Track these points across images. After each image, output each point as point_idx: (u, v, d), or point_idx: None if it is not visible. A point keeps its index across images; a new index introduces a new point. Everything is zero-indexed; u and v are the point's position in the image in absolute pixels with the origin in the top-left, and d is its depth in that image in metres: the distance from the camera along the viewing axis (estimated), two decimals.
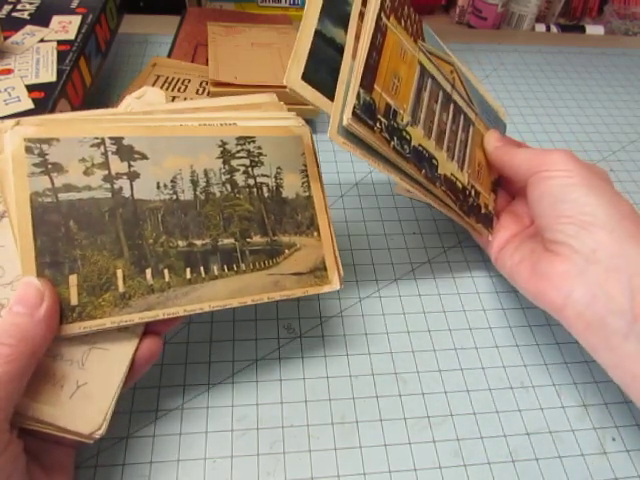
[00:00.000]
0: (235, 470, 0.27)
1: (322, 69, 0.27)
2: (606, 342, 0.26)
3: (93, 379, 0.23)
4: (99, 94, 0.47)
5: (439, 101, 0.33)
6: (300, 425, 0.28)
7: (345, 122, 0.26)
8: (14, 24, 0.41)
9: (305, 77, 0.26)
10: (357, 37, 0.28)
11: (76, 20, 0.42)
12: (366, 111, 0.27)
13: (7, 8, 0.43)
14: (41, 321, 0.21)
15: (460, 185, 0.33)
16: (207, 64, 0.46)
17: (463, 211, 0.33)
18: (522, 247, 0.32)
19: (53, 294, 0.22)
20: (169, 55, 0.51)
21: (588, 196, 0.28)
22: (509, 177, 0.35)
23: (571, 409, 0.30)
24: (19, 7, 0.43)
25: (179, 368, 0.30)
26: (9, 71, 0.37)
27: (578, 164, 0.29)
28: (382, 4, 0.30)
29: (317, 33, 0.27)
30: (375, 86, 0.28)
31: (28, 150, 0.23)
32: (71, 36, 0.41)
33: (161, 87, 0.45)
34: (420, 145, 0.30)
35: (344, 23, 0.28)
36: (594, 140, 0.50)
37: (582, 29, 0.68)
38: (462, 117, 0.35)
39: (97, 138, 0.24)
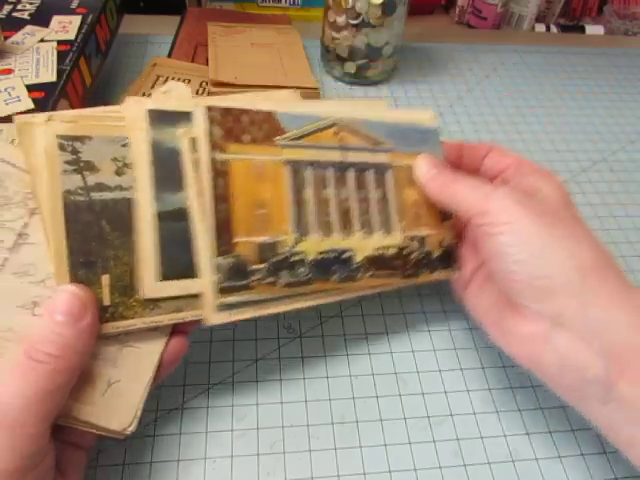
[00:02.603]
0: (235, 470, 0.27)
1: (179, 252, 0.24)
2: (587, 406, 0.24)
3: (124, 377, 0.23)
4: (99, 94, 0.47)
5: (331, 182, 0.28)
6: (300, 425, 0.28)
7: (211, 318, 0.24)
8: (14, 24, 0.41)
9: (165, 275, 0.24)
10: (201, 193, 0.25)
11: (76, 20, 0.42)
12: (234, 276, 0.24)
13: (7, 8, 0.43)
14: (85, 331, 0.21)
15: (393, 251, 0.29)
16: (207, 64, 0.46)
17: (407, 276, 0.29)
18: (486, 289, 0.28)
19: (95, 302, 0.22)
20: (169, 55, 0.51)
21: (541, 254, 0.24)
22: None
23: (571, 409, 0.30)
24: (19, 7, 0.43)
25: (179, 368, 0.30)
26: (9, 71, 0.37)
27: (524, 210, 0.24)
28: (212, 141, 0.25)
29: (158, 216, 0.24)
30: (235, 239, 0.25)
31: (61, 147, 0.23)
32: (71, 36, 0.41)
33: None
34: (321, 252, 0.27)
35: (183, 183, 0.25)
36: (594, 140, 0.50)
37: (582, 29, 0.68)
38: (370, 172, 0.30)
39: (129, 138, 0.24)
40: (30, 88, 0.35)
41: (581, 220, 0.27)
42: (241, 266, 0.25)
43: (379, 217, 0.29)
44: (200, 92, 0.46)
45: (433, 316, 0.34)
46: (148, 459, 0.27)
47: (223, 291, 0.24)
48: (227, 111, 0.26)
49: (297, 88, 0.43)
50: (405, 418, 0.29)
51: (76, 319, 0.21)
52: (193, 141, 0.25)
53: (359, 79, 0.52)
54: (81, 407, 0.22)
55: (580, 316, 0.23)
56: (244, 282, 0.25)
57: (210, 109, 0.26)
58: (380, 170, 0.30)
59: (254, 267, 0.25)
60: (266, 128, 0.27)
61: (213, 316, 0.24)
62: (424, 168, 0.30)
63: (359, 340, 0.32)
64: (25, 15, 0.43)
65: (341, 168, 0.29)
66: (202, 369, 0.30)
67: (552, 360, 0.24)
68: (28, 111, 0.33)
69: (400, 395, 0.30)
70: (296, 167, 0.27)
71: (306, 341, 0.32)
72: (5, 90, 0.35)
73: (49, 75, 0.36)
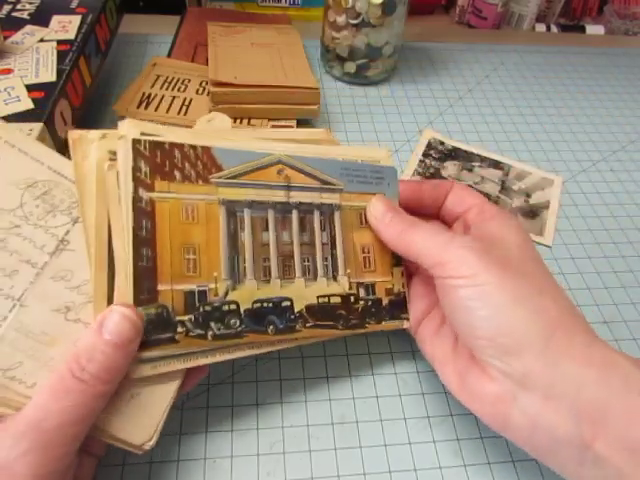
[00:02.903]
0: (235, 470, 0.27)
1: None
2: (561, 468, 0.22)
3: (146, 390, 0.23)
4: (99, 94, 0.47)
5: (272, 224, 0.26)
6: (300, 425, 0.28)
7: (133, 372, 0.22)
8: (14, 24, 0.41)
9: None
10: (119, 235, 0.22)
11: (76, 20, 0.42)
12: (157, 328, 0.22)
13: (7, 8, 0.43)
14: (130, 356, 0.21)
15: (337, 299, 0.27)
16: (207, 64, 0.46)
17: (353, 326, 0.27)
18: (443, 335, 0.27)
19: (141, 326, 0.22)
20: (169, 55, 0.51)
21: (505, 310, 0.22)
22: None
23: None
24: (19, 7, 0.43)
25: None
26: (9, 71, 0.37)
27: (486, 262, 0.23)
28: (136, 177, 0.23)
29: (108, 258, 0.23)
30: (159, 287, 0.22)
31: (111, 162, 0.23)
32: (71, 36, 0.41)
33: (161, 87, 0.45)
34: (257, 301, 0.25)
35: None
36: (594, 140, 0.50)
37: (582, 29, 0.68)
38: (316, 214, 0.28)
39: None
40: (30, 88, 0.35)
41: (545, 270, 0.25)
42: (165, 317, 0.22)
43: (324, 263, 0.27)
44: (200, 92, 0.46)
45: None
46: (148, 459, 0.27)
47: (144, 345, 0.22)
48: (157, 144, 0.24)
49: (297, 88, 0.44)
50: (405, 418, 0.29)
51: (125, 343, 0.21)
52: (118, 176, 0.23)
53: (359, 79, 0.52)
54: (104, 417, 0.22)
55: (547, 376, 0.21)
56: (169, 335, 0.22)
57: (137, 142, 0.23)
58: (327, 212, 0.28)
59: (180, 318, 0.23)
60: (201, 164, 0.25)
61: (135, 369, 0.22)
62: (378, 212, 0.28)
63: (359, 340, 0.32)
64: (25, 15, 0.43)
65: (284, 209, 0.27)
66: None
67: (521, 421, 0.22)
68: (28, 111, 0.33)
69: (400, 395, 0.30)
70: (232, 208, 0.25)
71: None
72: (5, 90, 0.35)
73: (49, 75, 0.36)
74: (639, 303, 0.36)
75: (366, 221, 0.29)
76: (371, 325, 0.28)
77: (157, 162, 0.24)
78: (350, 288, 0.28)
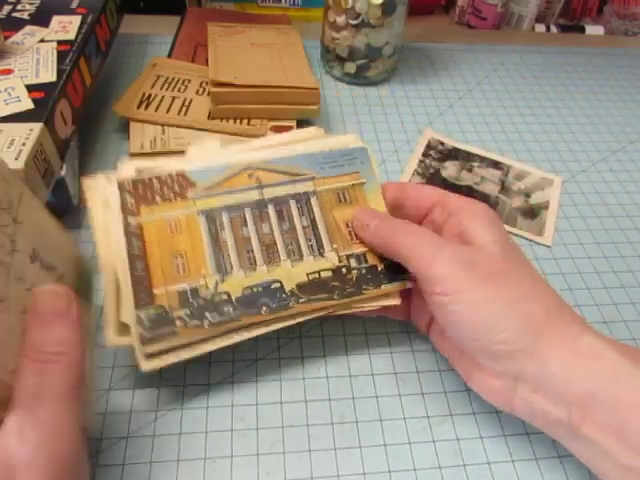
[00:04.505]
0: (235, 470, 0.27)
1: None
2: (562, 441, 0.25)
3: None
4: (99, 94, 0.47)
5: (250, 220, 0.29)
6: (300, 425, 0.28)
7: (142, 365, 0.25)
8: (14, 24, 0.41)
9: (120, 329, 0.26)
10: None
11: (76, 20, 0.42)
12: (158, 325, 0.26)
13: (7, 8, 0.43)
14: (75, 324, 0.21)
15: (328, 273, 0.29)
16: (207, 64, 0.46)
17: (349, 294, 0.28)
18: (447, 337, 0.28)
19: (75, 297, 0.22)
20: (169, 55, 0.51)
21: (495, 321, 0.23)
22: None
23: None
24: (19, 7, 0.43)
25: (179, 368, 0.30)
26: (9, 71, 0.37)
27: (471, 277, 0.24)
28: (124, 208, 0.27)
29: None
30: (155, 291, 0.26)
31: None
32: (71, 36, 0.41)
33: (161, 87, 0.45)
34: (246, 288, 0.27)
35: None
36: (594, 140, 0.50)
37: (582, 29, 0.68)
38: (292, 203, 0.30)
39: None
40: (30, 88, 0.35)
41: (526, 266, 0.26)
42: (164, 315, 0.26)
43: (307, 243, 0.29)
44: (200, 92, 0.46)
45: None
46: (148, 459, 0.27)
47: (148, 341, 0.25)
48: (138, 180, 0.28)
49: (297, 88, 0.44)
50: (405, 418, 0.29)
51: (64, 316, 0.21)
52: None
53: (359, 79, 0.52)
54: None
55: (539, 374, 0.23)
56: (169, 329, 0.26)
57: (120, 183, 0.28)
58: (303, 199, 0.30)
59: (177, 314, 0.26)
60: (178, 186, 0.29)
61: (143, 364, 0.25)
62: (361, 222, 0.29)
63: (359, 340, 0.32)
64: (25, 15, 0.43)
65: (259, 206, 0.29)
66: (202, 369, 0.30)
67: (521, 407, 0.25)
68: (28, 111, 0.33)
69: (400, 395, 0.30)
70: (211, 214, 0.29)
71: (306, 341, 0.32)
72: (5, 90, 0.35)
73: (49, 75, 0.36)
74: (639, 303, 0.36)
75: (345, 199, 0.31)
76: (369, 291, 0.29)
77: (140, 193, 0.28)
78: (340, 261, 0.29)
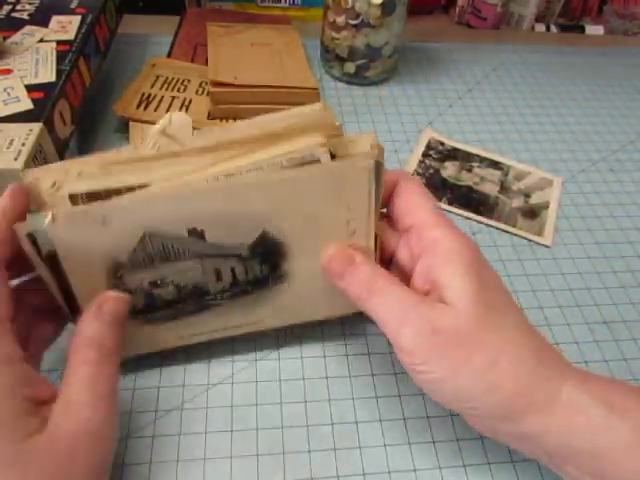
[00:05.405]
0: (234, 470, 0.27)
1: None
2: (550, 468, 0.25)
3: None
4: (99, 94, 0.47)
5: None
6: (299, 425, 0.28)
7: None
8: (13, 24, 0.41)
9: None
10: None
11: (75, 20, 0.42)
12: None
13: (7, 8, 0.43)
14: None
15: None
16: (207, 64, 0.46)
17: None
18: None
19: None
20: (169, 55, 0.51)
21: (458, 392, 0.23)
22: None
23: None
24: (18, 7, 0.43)
25: (179, 368, 0.30)
26: (8, 71, 0.37)
27: (433, 351, 0.23)
28: None
29: None
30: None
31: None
32: (70, 36, 0.41)
33: (160, 87, 0.45)
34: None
35: None
36: (593, 140, 0.50)
37: (582, 29, 0.68)
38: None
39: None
40: (29, 88, 0.35)
41: (499, 306, 0.24)
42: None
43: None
44: (200, 92, 0.46)
45: None
46: (148, 459, 0.27)
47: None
48: (93, 194, 0.24)
49: (297, 88, 0.44)
50: (405, 418, 0.29)
51: (122, 319, 0.24)
52: None
53: (359, 79, 0.52)
54: None
55: (513, 432, 0.23)
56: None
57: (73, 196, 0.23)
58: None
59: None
60: None
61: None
62: (335, 272, 0.26)
63: (358, 340, 0.32)
64: (24, 15, 0.43)
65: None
66: (202, 369, 0.30)
67: (503, 441, 0.25)
68: (27, 111, 0.33)
69: (400, 395, 0.30)
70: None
71: (306, 341, 0.32)
72: (4, 90, 0.35)
73: (48, 75, 0.36)
74: (638, 303, 0.36)
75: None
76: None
77: None
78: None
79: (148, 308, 0.26)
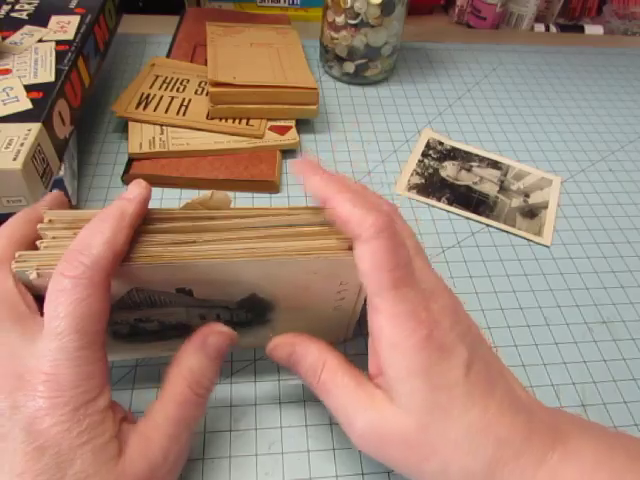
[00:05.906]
0: (234, 470, 0.27)
1: None
2: None
3: None
4: (98, 94, 0.47)
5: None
6: (299, 425, 0.28)
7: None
8: (13, 24, 0.41)
9: None
10: None
11: (75, 20, 0.42)
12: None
13: (6, 8, 0.43)
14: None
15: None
16: (206, 64, 0.46)
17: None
18: None
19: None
20: (168, 55, 0.51)
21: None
22: None
23: (570, 409, 0.30)
24: (18, 7, 0.43)
25: None
26: (7, 71, 0.37)
27: (380, 459, 0.22)
28: None
29: None
30: None
31: None
32: (70, 36, 0.40)
33: (160, 87, 0.45)
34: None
35: None
36: (593, 140, 0.50)
37: (581, 29, 0.68)
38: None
39: None
40: (28, 88, 0.35)
41: (457, 397, 0.21)
42: None
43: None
44: (199, 92, 0.46)
45: None
46: None
47: None
48: None
49: (296, 88, 0.44)
50: None
51: (224, 355, 0.24)
52: None
53: (358, 79, 0.52)
54: None
55: None
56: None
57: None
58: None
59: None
60: None
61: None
62: (310, 374, 0.24)
63: (358, 340, 0.32)
64: (23, 15, 0.43)
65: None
66: None
67: None
68: (26, 111, 0.33)
69: None
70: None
71: None
72: (3, 90, 0.35)
73: (47, 75, 0.36)
74: (638, 303, 0.36)
75: None
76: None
77: None
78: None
79: (132, 335, 0.27)
